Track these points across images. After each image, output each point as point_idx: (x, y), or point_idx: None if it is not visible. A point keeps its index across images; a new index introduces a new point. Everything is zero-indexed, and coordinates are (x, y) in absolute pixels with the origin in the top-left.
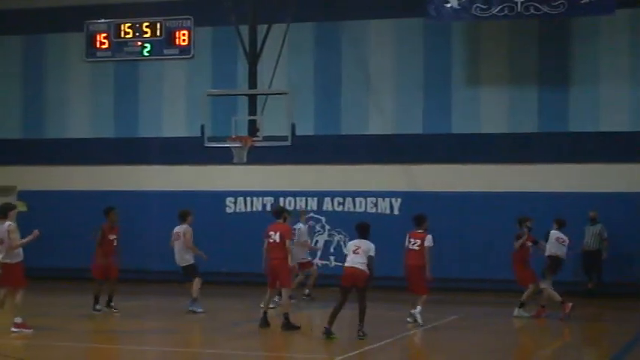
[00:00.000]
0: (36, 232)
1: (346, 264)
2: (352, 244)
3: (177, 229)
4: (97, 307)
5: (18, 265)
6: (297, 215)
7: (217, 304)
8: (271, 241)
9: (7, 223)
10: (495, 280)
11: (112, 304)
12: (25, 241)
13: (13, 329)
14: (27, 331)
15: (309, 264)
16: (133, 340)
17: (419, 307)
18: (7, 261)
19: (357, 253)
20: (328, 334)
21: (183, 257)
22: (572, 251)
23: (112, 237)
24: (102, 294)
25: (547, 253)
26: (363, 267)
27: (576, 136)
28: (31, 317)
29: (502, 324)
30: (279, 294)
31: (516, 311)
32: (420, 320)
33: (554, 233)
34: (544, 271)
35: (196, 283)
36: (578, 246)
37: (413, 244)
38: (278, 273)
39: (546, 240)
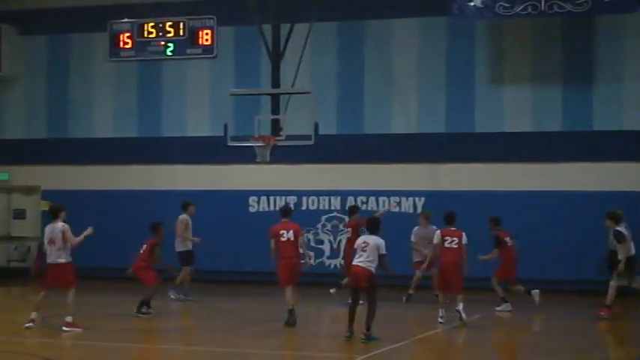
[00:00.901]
0: (90, 228)
1: (353, 262)
2: (361, 241)
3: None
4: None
5: (69, 265)
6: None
7: (241, 303)
8: (284, 239)
9: (61, 223)
10: (522, 280)
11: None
12: (81, 238)
13: (65, 328)
14: (78, 330)
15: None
16: (159, 339)
17: (461, 304)
18: (61, 261)
19: (365, 251)
20: (368, 337)
21: (179, 244)
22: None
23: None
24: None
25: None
26: (369, 265)
27: (600, 135)
28: (55, 317)
29: (525, 322)
30: None
31: None
32: (464, 317)
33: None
34: (616, 270)
35: (184, 270)
36: (603, 245)
37: (450, 242)
38: (295, 270)
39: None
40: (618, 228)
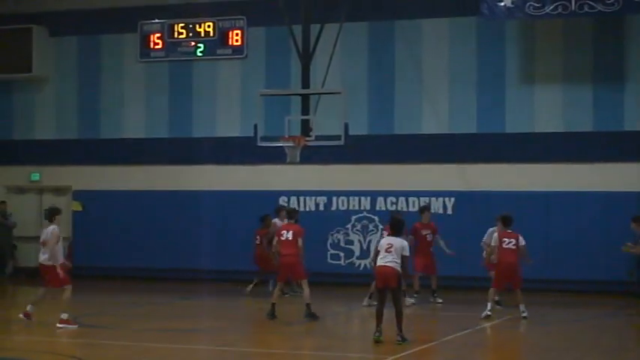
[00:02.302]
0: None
1: (378, 263)
2: (385, 242)
3: None
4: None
5: (53, 267)
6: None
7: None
8: (283, 239)
9: (52, 227)
10: (553, 281)
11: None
12: (61, 259)
13: (59, 325)
14: (71, 327)
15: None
16: (185, 339)
17: (522, 305)
18: (46, 262)
19: (390, 252)
20: (402, 339)
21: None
22: None
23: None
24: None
25: None
26: (396, 266)
27: (632, 135)
28: (85, 316)
29: (561, 322)
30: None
31: None
32: (526, 313)
33: None
34: None
35: None
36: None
37: (508, 244)
38: (292, 268)
39: None
40: None
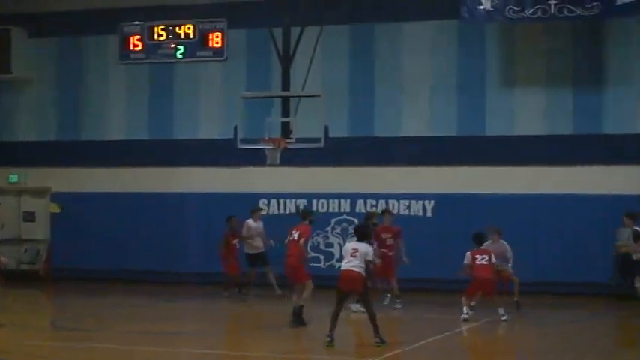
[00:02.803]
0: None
1: (343, 267)
2: (350, 247)
3: None
4: (243, 290)
5: None
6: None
7: (250, 306)
8: (290, 238)
9: None
10: (540, 283)
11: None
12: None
13: None
14: None
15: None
16: (168, 341)
17: (501, 309)
18: None
19: (355, 257)
20: (330, 343)
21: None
22: None
23: (234, 241)
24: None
25: None
26: (362, 270)
27: (611, 138)
28: (65, 319)
29: (537, 324)
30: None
31: None
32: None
33: None
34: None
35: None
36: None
37: (481, 260)
38: (292, 269)
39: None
40: (637, 228)
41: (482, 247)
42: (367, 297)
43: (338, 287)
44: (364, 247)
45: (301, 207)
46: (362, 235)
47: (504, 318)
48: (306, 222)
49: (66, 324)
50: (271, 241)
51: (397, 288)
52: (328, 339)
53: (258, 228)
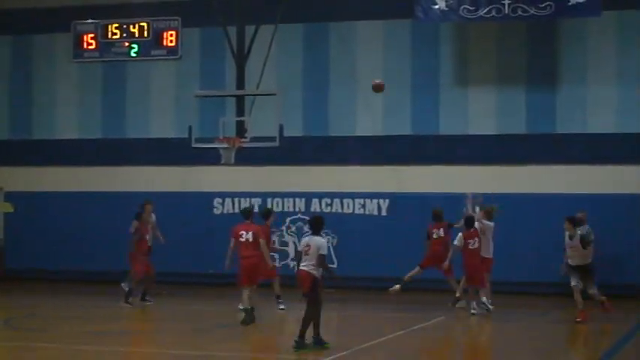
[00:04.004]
0: None
1: (299, 267)
2: (304, 244)
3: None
4: (147, 297)
5: None
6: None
7: (205, 305)
8: (242, 240)
9: None
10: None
11: (147, 297)
12: None
13: None
14: None
15: None
16: (116, 341)
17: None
18: None
19: (308, 254)
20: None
21: None
22: None
23: (147, 237)
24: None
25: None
26: (311, 269)
27: (564, 138)
28: (17, 319)
29: (490, 324)
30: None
31: None
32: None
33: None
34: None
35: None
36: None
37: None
38: (256, 270)
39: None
40: (580, 232)
41: (472, 230)
42: (314, 297)
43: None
44: (317, 242)
45: (244, 206)
46: (315, 227)
47: (487, 309)
48: (267, 222)
49: (17, 324)
50: (161, 237)
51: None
52: (294, 342)
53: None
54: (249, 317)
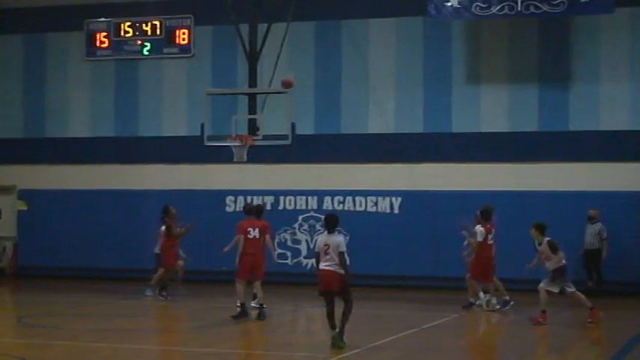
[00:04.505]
0: None
1: (320, 266)
2: (322, 243)
3: None
4: (163, 293)
5: None
6: None
7: (216, 303)
8: (251, 237)
9: None
10: (506, 280)
11: (164, 293)
12: None
13: None
14: None
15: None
16: (128, 338)
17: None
18: None
19: (328, 254)
20: (336, 341)
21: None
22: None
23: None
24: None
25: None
26: (336, 268)
27: (576, 135)
28: (31, 316)
29: (500, 323)
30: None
31: None
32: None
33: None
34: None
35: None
36: (579, 245)
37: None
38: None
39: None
40: (548, 238)
41: (489, 224)
42: (347, 293)
43: (319, 287)
44: (335, 240)
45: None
46: (330, 225)
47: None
48: (254, 217)
49: (31, 321)
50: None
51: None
52: (334, 340)
53: None
54: (244, 312)
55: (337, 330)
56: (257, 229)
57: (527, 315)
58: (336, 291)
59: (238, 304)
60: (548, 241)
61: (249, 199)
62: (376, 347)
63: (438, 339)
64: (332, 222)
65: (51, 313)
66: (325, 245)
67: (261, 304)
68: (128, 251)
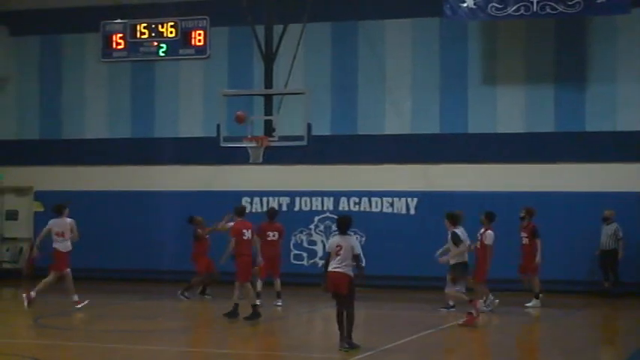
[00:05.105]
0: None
1: (329, 268)
2: (334, 245)
3: None
4: (207, 293)
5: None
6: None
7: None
8: (245, 238)
9: (69, 219)
10: (515, 280)
11: (207, 292)
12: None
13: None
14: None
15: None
16: (144, 339)
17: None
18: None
19: (339, 255)
20: (350, 345)
21: None
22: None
23: (207, 236)
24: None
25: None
26: (346, 270)
27: (593, 136)
28: (47, 317)
29: (514, 322)
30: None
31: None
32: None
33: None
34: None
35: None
36: (595, 245)
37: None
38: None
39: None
40: (456, 230)
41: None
42: (352, 299)
43: (327, 289)
44: (349, 242)
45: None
46: (343, 227)
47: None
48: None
49: (48, 322)
50: None
51: (279, 286)
52: (346, 345)
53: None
54: (235, 312)
55: (343, 337)
56: (276, 233)
57: (527, 316)
58: (344, 294)
59: (257, 303)
60: (452, 232)
61: (265, 200)
62: (391, 349)
63: (454, 340)
64: (344, 224)
65: (67, 314)
66: (338, 246)
67: (236, 305)
68: (144, 252)
